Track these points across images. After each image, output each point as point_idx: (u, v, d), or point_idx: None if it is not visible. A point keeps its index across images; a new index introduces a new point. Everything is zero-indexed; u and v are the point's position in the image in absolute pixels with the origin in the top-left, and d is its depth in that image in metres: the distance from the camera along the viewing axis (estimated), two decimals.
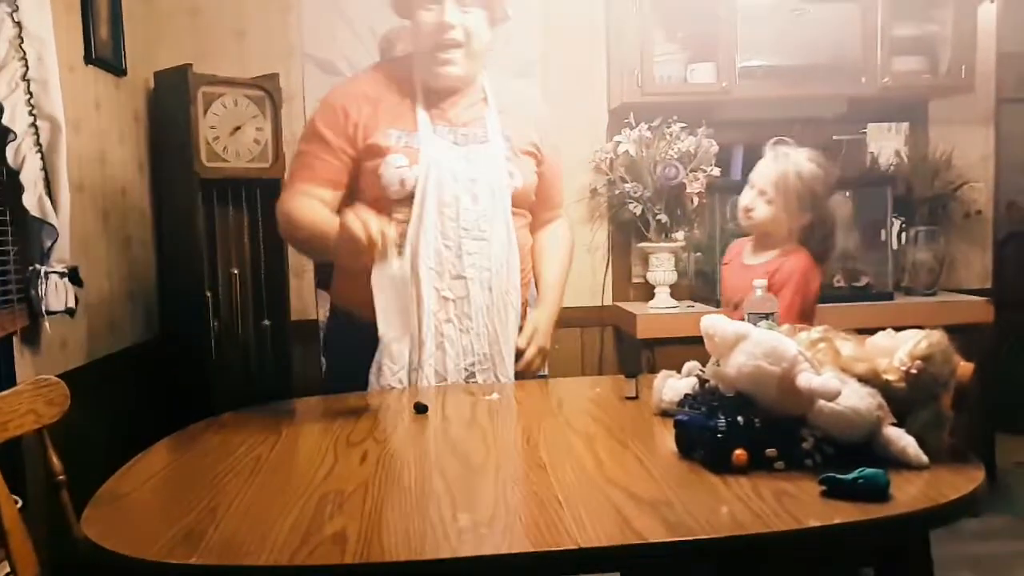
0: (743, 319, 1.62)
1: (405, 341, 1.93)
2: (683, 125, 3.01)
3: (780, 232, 1.96)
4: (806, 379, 1.24)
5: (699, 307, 3.01)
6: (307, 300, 3.13)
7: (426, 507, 1.19)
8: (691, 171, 2.97)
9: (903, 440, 1.26)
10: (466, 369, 1.98)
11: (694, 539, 1.04)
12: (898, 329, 1.39)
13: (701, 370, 1.48)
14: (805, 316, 1.85)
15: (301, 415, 1.85)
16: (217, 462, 1.45)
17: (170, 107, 2.81)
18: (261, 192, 2.88)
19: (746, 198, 1.99)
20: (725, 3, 2.99)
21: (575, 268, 2.34)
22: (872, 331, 1.41)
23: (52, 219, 1.99)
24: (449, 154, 1.95)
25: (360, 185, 1.98)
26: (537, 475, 1.32)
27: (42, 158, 1.98)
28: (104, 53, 2.56)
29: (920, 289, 3.18)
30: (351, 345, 2.03)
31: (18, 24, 1.90)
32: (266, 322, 2.90)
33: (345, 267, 2.00)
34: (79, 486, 1.46)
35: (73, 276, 2.10)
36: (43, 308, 2.01)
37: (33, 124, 1.96)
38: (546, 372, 2.24)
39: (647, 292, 3.16)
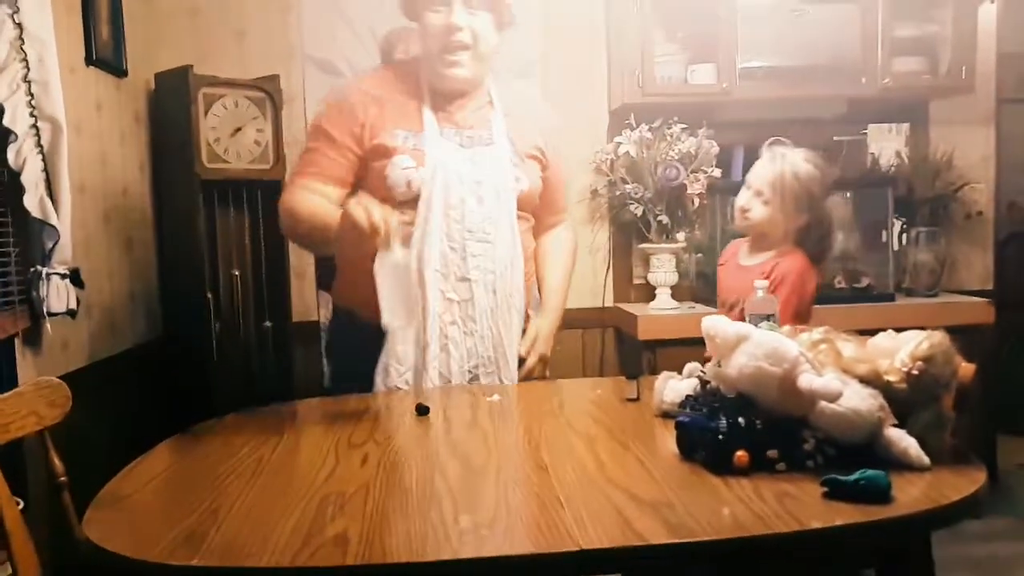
0: (738, 320, 1.62)
1: (410, 332, 1.92)
2: (684, 126, 3.01)
3: (776, 233, 1.96)
4: (807, 380, 1.24)
5: (700, 308, 3.01)
6: (308, 301, 3.13)
7: (427, 509, 1.19)
8: (692, 172, 2.97)
9: (904, 441, 1.26)
10: (470, 371, 1.98)
11: (695, 540, 1.04)
12: (899, 330, 1.39)
13: (702, 371, 1.48)
14: (800, 317, 1.84)
15: (302, 417, 1.85)
16: (218, 464, 1.45)
17: (171, 108, 2.81)
18: (262, 193, 2.88)
19: (742, 199, 1.99)
20: (725, 4, 2.99)
21: (576, 269, 2.34)
22: (873, 332, 1.41)
23: (53, 220, 1.99)
24: (455, 156, 1.95)
25: (365, 186, 1.98)
26: (538, 476, 1.32)
27: (43, 159, 1.98)
28: (105, 54, 2.57)
29: (921, 290, 3.18)
30: (354, 346, 2.04)
31: (19, 25, 1.90)
32: (267, 323, 2.90)
33: (347, 257, 2.00)
34: (81, 487, 1.46)
35: (74, 277, 2.10)
36: (44, 309, 2.01)
37: (34, 125, 1.96)
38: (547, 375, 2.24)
39: (648, 293, 3.16)
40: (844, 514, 1.11)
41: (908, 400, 1.30)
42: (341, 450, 1.48)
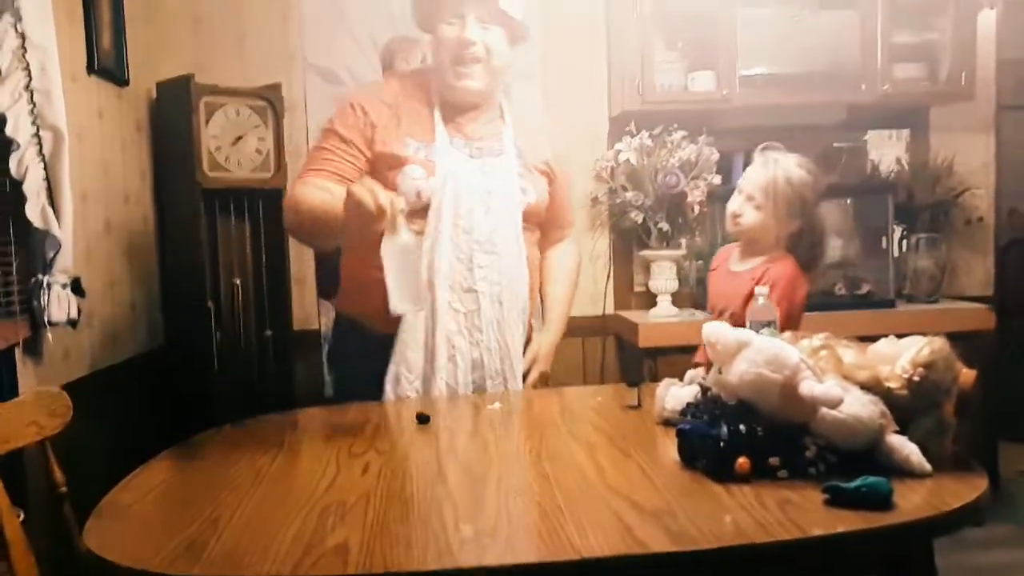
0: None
1: (420, 317, 1.92)
2: (684, 133, 3.02)
3: (768, 239, 1.94)
4: (808, 387, 1.24)
5: (701, 315, 3.00)
6: (309, 310, 3.13)
7: (428, 517, 1.19)
8: (692, 179, 2.97)
9: (906, 448, 1.25)
10: (475, 382, 1.98)
11: (697, 549, 1.04)
12: (900, 336, 1.38)
13: (703, 378, 1.47)
14: (790, 323, 1.82)
15: (303, 426, 1.85)
16: (219, 473, 1.45)
17: (172, 117, 2.82)
18: (263, 202, 2.89)
19: (734, 204, 1.97)
20: (725, 11, 3.00)
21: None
22: (874, 339, 1.41)
23: (55, 229, 2.00)
24: (465, 167, 1.96)
25: None
26: (539, 485, 1.32)
27: (45, 168, 1.98)
28: (107, 63, 2.58)
29: (922, 296, 3.18)
30: (357, 355, 2.04)
31: (21, 35, 1.91)
32: (268, 332, 2.91)
33: (353, 249, 1.98)
34: (81, 497, 1.46)
35: (76, 286, 2.10)
36: (45, 319, 2.01)
37: (36, 134, 1.96)
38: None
39: (649, 300, 3.16)
40: (846, 521, 1.10)
41: (909, 406, 1.29)
42: (342, 459, 1.48)
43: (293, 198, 1.97)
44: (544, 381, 2.12)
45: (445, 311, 1.93)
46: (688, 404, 1.48)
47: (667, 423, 1.55)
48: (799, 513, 1.13)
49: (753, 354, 1.30)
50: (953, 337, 1.35)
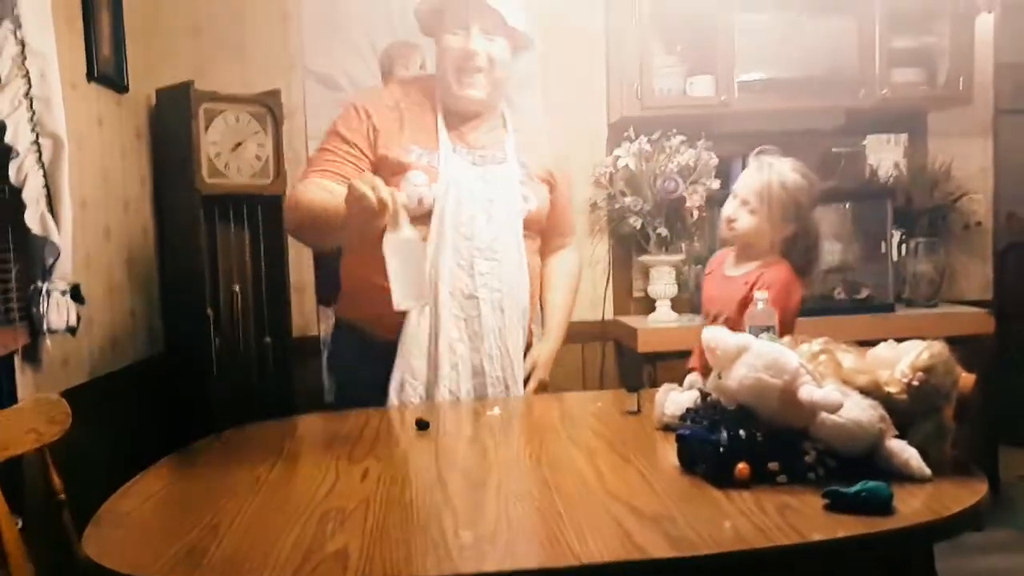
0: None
1: (423, 324, 1.92)
2: (683, 138, 3.02)
3: (763, 243, 1.94)
4: (808, 391, 1.24)
5: (700, 320, 3.00)
6: (308, 317, 3.13)
7: (428, 524, 1.18)
8: (691, 184, 2.97)
9: (905, 452, 1.25)
10: (475, 389, 1.98)
11: (697, 554, 1.04)
12: (899, 341, 1.38)
13: (702, 383, 1.47)
14: (785, 329, 1.82)
15: (303, 432, 1.85)
16: (218, 480, 1.45)
17: (172, 123, 2.82)
18: (263, 208, 2.89)
19: (729, 208, 1.96)
20: (723, 17, 3.00)
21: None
22: (873, 343, 1.41)
23: (54, 236, 2.00)
24: (468, 174, 1.97)
25: None
26: (539, 490, 1.32)
27: (44, 175, 1.98)
28: (106, 70, 2.58)
29: (921, 301, 3.18)
30: (358, 361, 2.04)
31: (21, 42, 1.91)
32: (267, 339, 2.91)
33: (354, 244, 1.98)
34: (80, 504, 1.46)
35: (75, 293, 2.10)
36: (45, 326, 2.01)
37: (35, 141, 1.96)
38: None
39: (648, 306, 3.16)
40: (846, 526, 1.10)
41: (909, 411, 1.29)
42: (341, 465, 1.48)
43: (294, 197, 1.97)
44: (543, 389, 2.13)
45: (448, 318, 1.94)
46: (688, 409, 1.49)
47: (667, 428, 1.55)
48: (799, 518, 1.13)
49: (752, 359, 1.30)
50: (952, 341, 1.35)
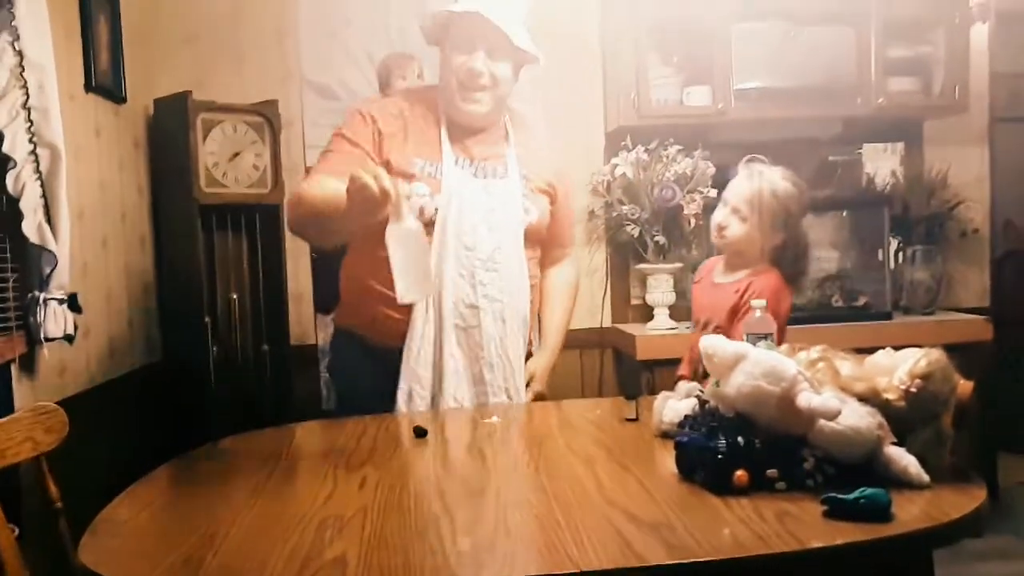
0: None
1: (430, 322, 1.93)
2: (680, 147, 3.03)
3: (753, 251, 1.93)
4: (806, 399, 1.24)
5: (689, 328, 3.01)
6: (306, 325, 3.13)
7: (426, 531, 1.18)
8: (688, 192, 2.98)
9: (904, 459, 1.25)
10: (476, 397, 1.99)
11: (695, 561, 1.04)
12: (897, 348, 1.38)
13: (701, 391, 1.47)
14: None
15: (300, 440, 1.84)
16: (216, 488, 1.44)
17: (170, 133, 2.83)
18: (260, 217, 2.89)
19: (719, 216, 1.96)
20: (720, 26, 3.02)
21: None
22: (871, 351, 1.41)
23: (51, 246, 2.00)
24: (470, 185, 1.98)
25: None
26: (537, 498, 1.32)
27: (42, 185, 1.99)
28: (104, 81, 2.58)
29: (918, 308, 3.19)
30: (357, 368, 2.05)
31: (19, 53, 1.92)
32: (265, 347, 2.90)
33: (356, 240, 1.99)
34: (77, 513, 1.45)
35: (72, 303, 2.10)
36: (42, 335, 2.01)
37: (33, 152, 1.97)
38: None
39: (646, 313, 3.16)
40: (844, 533, 1.10)
41: (907, 418, 1.29)
42: (339, 473, 1.47)
43: (296, 194, 1.97)
44: (540, 400, 2.13)
45: (451, 328, 1.94)
46: (686, 416, 1.48)
47: (665, 436, 1.55)
48: (798, 525, 1.12)
49: (750, 366, 1.30)
50: (950, 348, 1.35)
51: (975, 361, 2.19)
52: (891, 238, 3.18)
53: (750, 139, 3.08)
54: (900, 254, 3.26)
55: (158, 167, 2.94)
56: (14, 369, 2.00)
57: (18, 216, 1.95)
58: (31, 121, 1.96)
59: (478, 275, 1.96)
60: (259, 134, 2.87)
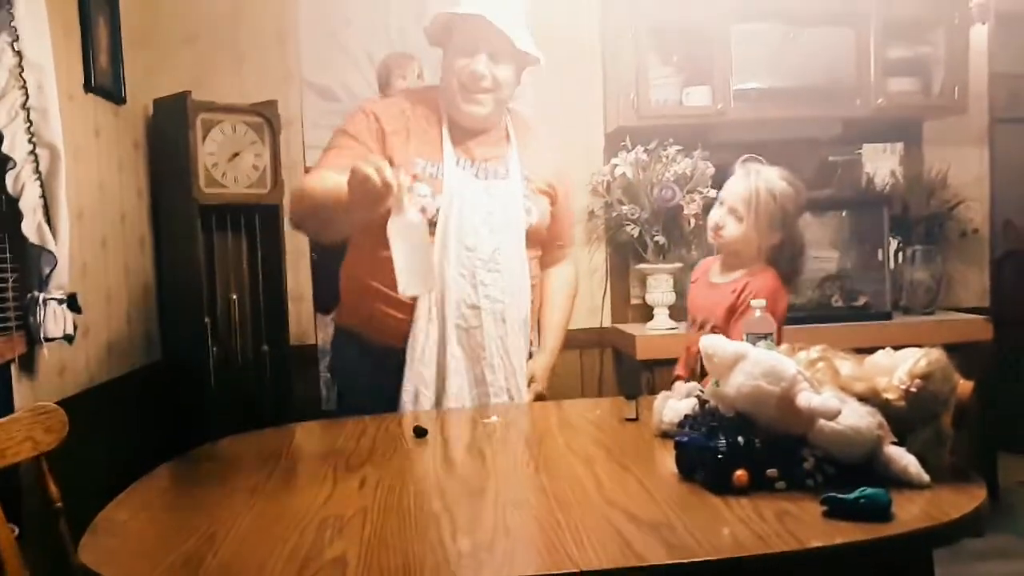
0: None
1: (433, 323, 1.93)
2: (679, 147, 3.03)
3: (749, 251, 1.93)
4: (806, 398, 1.24)
5: (687, 328, 3.01)
6: (306, 325, 3.12)
7: (426, 531, 1.18)
8: (688, 193, 2.98)
9: (904, 459, 1.25)
10: (478, 397, 1.99)
11: (695, 560, 1.04)
12: (897, 348, 1.38)
13: (701, 391, 1.47)
14: None
15: (300, 440, 1.84)
16: (216, 488, 1.44)
17: (169, 134, 2.83)
18: (260, 218, 2.89)
19: (716, 215, 1.96)
20: (719, 26, 3.02)
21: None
22: (871, 351, 1.41)
23: (51, 246, 2.00)
24: (471, 186, 1.98)
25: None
26: (537, 498, 1.32)
27: (41, 186, 1.99)
28: (104, 81, 2.58)
29: (918, 308, 3.19)
30: (358, 368, 2.05)
31: (18, 53, 1.92)
32: (265, 347, 2.90)
33: (357, 237, 1.99)
34: (77, 513, 1.45)
35: (71, 303, 2.10)
36: (41, 335, 2.01)
37: (32, 152, 1.97)
38: None
39: (646, 313, 3.16)
40: (844, 533, 1.10)
41: (907, 418, 1.29)
42: (339, 473, 1.47)
43: (299, 188, 1.98)
44: (540, 400, 2.14)
45: (452, 328, 1.94)
46: (686, 416, 1.48)
47: (665, 435, 1.55)
48: (797, 525, 1.12)
49: (750, 366, 1.30)
50: (950, 348, 1.35)
51: (975, 361, 2.20)
52: (891, 238, 3.18)
53: (750, 139, 3.08)
54: (900, 254, 3.26)
55: (158, 167, 2.94)
56: (14, 369, 2.00)
57: (18, 216, 1.95)
58: (30, 121, 1.96)
59: (479, 275, 1.96)
60: (259, 134, 2.86)
